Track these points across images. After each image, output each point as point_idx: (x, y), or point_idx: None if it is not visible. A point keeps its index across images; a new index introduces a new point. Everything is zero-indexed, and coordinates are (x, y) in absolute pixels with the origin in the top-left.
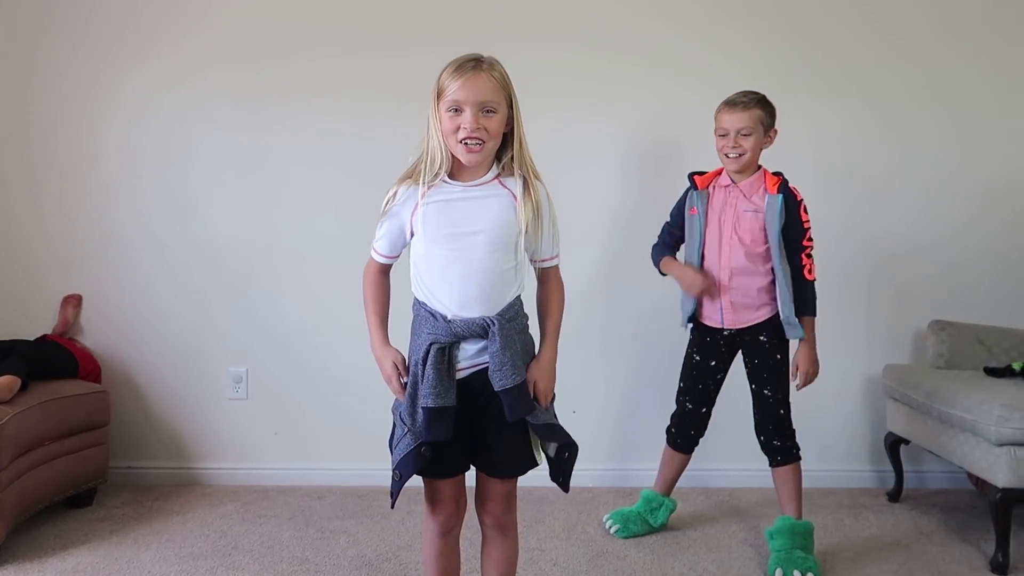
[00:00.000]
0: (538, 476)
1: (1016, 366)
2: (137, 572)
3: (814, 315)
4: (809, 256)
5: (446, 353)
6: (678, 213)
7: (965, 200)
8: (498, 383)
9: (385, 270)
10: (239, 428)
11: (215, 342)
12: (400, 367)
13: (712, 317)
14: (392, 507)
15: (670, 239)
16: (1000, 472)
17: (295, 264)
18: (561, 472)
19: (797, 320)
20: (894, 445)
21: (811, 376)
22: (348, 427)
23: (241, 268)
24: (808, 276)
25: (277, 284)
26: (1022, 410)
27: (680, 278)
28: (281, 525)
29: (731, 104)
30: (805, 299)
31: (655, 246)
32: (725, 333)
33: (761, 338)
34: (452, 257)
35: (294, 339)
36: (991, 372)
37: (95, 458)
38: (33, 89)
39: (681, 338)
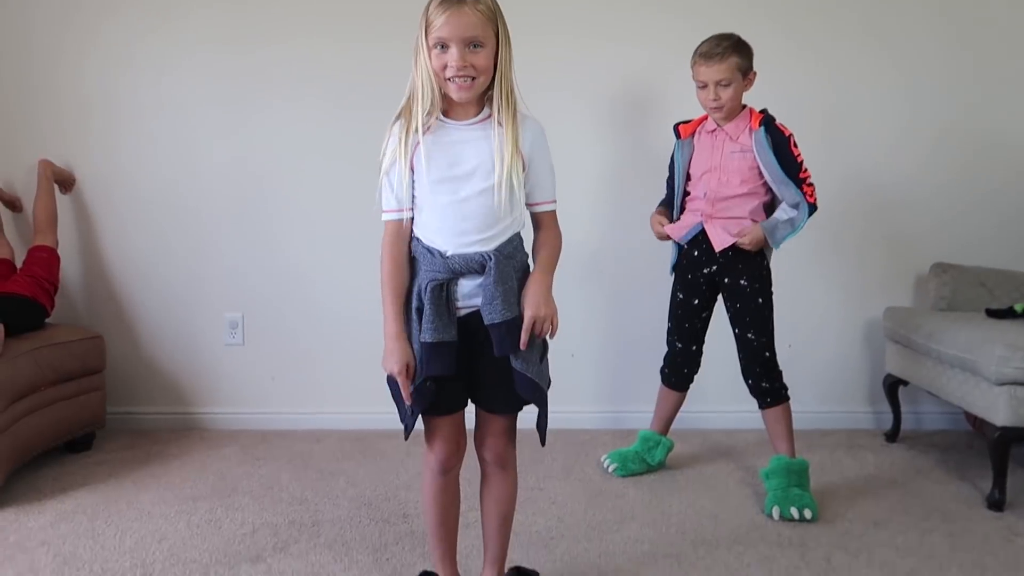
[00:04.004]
0: (536, 419)
1: (1018, 308)
2: (137, 513)
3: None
4: (810, 184)
5: (444, 289)
6: (672, 165)
7: (969, 144)
8: (487, 317)
9: (403, 232)
10: (236, 373)
11: (210, 288)
12: (410, 371)
13: (678, 231)
14: (407, 438)
15: (670, 193)
16: (999, 411)
17: (289, 209)
18: (538, 426)
19: (788, 235)
20: (893, 387)
21: (743, 244)
22: (345, 371)
23: (234, 213)
24: (808, 199)
25: (271, 229)
26: (1023, 350)
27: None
28: (280, 467)
29: (706, 56)
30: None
31: (664, 198)
32: (705, 272)
33: (742, 282)
34: (450, 200)
35: (289, 285)
36: (992, 314)
37: (92, 403)
38: (8, 36)
39: None
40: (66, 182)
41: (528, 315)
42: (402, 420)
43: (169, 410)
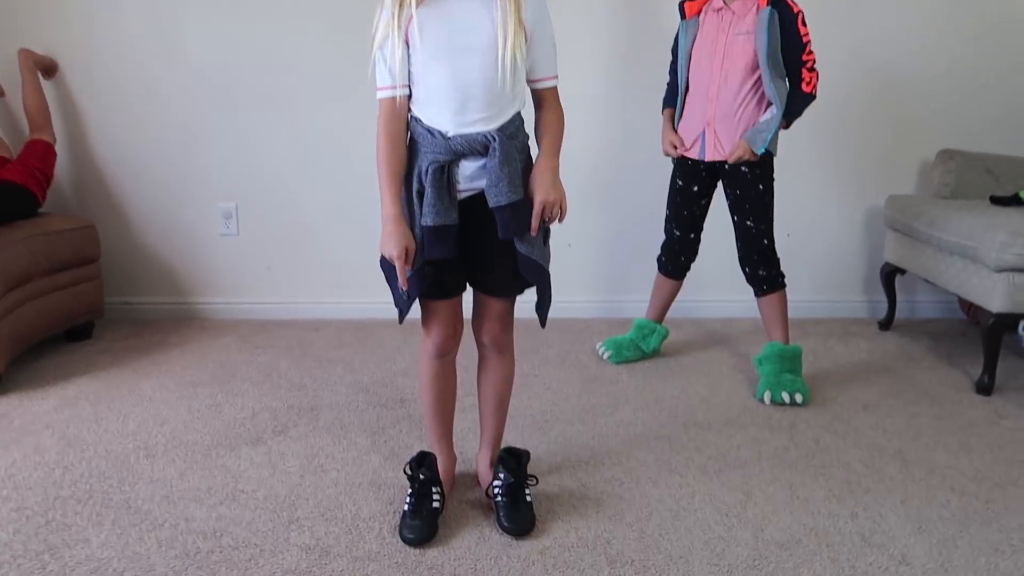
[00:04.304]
0: (533, 307)
1: (1023, 195)
2: (138, 399)
3: (788, 124)
4: (811, 70)
5: (445, 171)
6: (676, 48)
7: (980, 24)
8: (493, 199)
9: (400, 111)
10: (233, 264)
11: (201, 178)
12: (409, 255)
13: (691, 150)
14: (400, 322)
15: (673, 79)
16: (996, 297)
17: (279, 93)
18: (538, 309)
19: (768, 137)
20: (890, 275)
21: (739, 157)
22: (342, 261)
23: (223, 100)
24: (805, 88)
25: (261, 116)
26: None
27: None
28: (279, 355)
29: None
30: (792, 106)
31: (666, 92)
32: (707, 159)
33: (743, 169)
34: (450, 74)
35: (282, 173)
36: (997, 201)
37: (89, 293)
38: None
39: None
40: (49, 68)
41: (538, 200)
42: (396, 305)
43: (167, 300)
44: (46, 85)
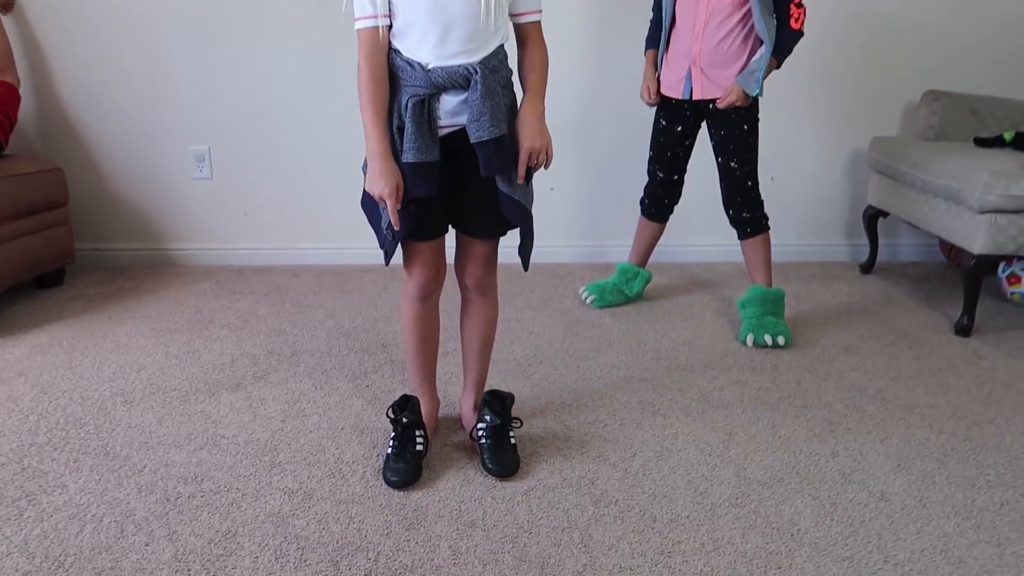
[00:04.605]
0: (515, 252)
1: (1007, 136)
2: (113, 345)
3: (779, 62)
4: (799, 6)
5: (425, 106)
6: None
7: None
8: (475, 134)
9: (381, 42)
10: (207, 209)
11: (174, 119)
12: (399, 192)
13: (675, 89)
14: (387, 264)
15: (657, 15)
16: (978, 239)
17: (255, 32)
18: (520, 251)
19: (759, 76)
20: (872, 219)
21: (732, 103)
22: (320, 206)
23: (193, 36)
24: (793, 25)
25: (237, 54)
26: (1009, 177)
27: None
28: (257, 301)
29: None
30: (781, 43)
31: (649, 30)
32: (695, 98)
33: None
34: (430, 5)
35: (256, 114)
36: (981, 142)
37: (59, 238)
38: None
39: None
40: (6, 3)
41: (524, 147)
42: (381, 246)
43: (140, 246)
44: (5, 21)
